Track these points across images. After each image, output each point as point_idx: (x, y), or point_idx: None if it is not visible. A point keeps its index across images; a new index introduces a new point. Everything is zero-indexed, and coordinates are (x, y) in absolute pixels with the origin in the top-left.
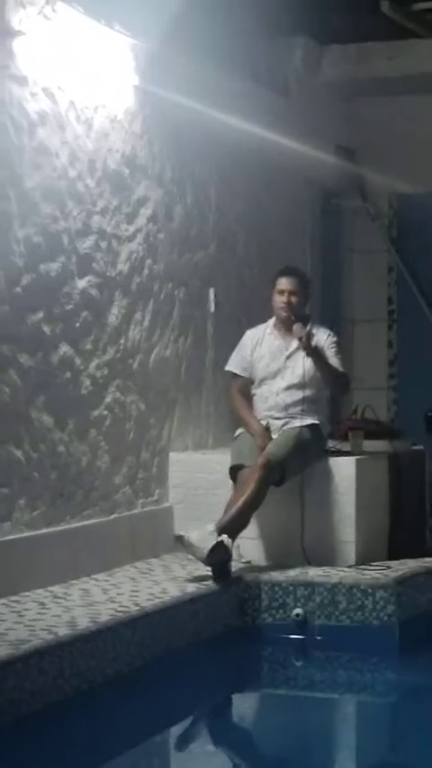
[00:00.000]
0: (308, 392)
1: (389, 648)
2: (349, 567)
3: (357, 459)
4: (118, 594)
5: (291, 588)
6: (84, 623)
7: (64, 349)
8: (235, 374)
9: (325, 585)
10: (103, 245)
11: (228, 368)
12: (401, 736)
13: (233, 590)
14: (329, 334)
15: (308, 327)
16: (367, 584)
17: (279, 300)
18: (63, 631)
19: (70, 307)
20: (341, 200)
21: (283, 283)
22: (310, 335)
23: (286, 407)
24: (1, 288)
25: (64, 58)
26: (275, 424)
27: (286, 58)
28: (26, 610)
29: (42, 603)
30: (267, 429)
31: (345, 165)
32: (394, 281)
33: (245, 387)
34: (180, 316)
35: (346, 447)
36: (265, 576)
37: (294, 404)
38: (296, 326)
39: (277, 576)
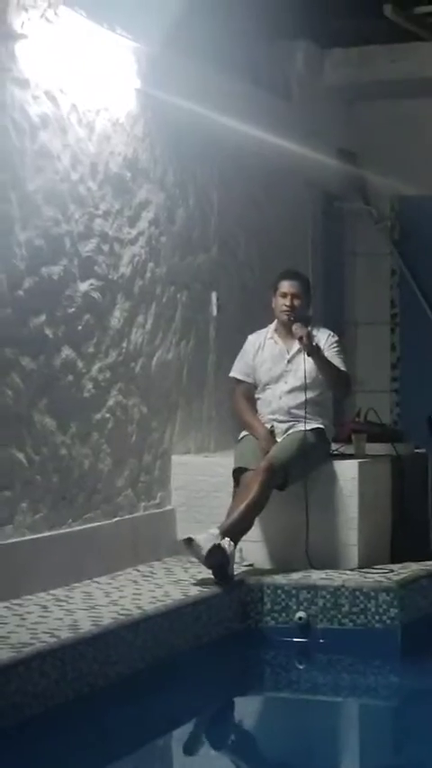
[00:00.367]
0: (311, 394)
1: (391, 652)
2: (352, 570)
3: (360, 462)
4: (120, 597)
5: (293, 591)
6: (86, 626)
7: (66, 352)
8: (238, 380)
9: (328, 589)
10: (105, 248)
11: (231, 374)
12: (404, 740)
13: (236, 593)
14: (330, 335)
15: (308, 328)
16: (370, 587)
17: (281, 304)
18: (65, 634)
19: (72, 310)
20: (343, 203)
21: (286, 286)
22: (310, 335)
23: (290, 410)
24: (3, 291)
25: (66, 62)
26: (280, 427)
27: (288, 61)
28: (28, 613)
29: (44, 606)
30: (272, 432)
31: (347, 168)
32: (396, 284)
33: (248, 392)
34: (182, 319)
35: (349, 450)
36: (267, 579)
37: (298, 406)
38: (296, 326)
39: (280, 579)
